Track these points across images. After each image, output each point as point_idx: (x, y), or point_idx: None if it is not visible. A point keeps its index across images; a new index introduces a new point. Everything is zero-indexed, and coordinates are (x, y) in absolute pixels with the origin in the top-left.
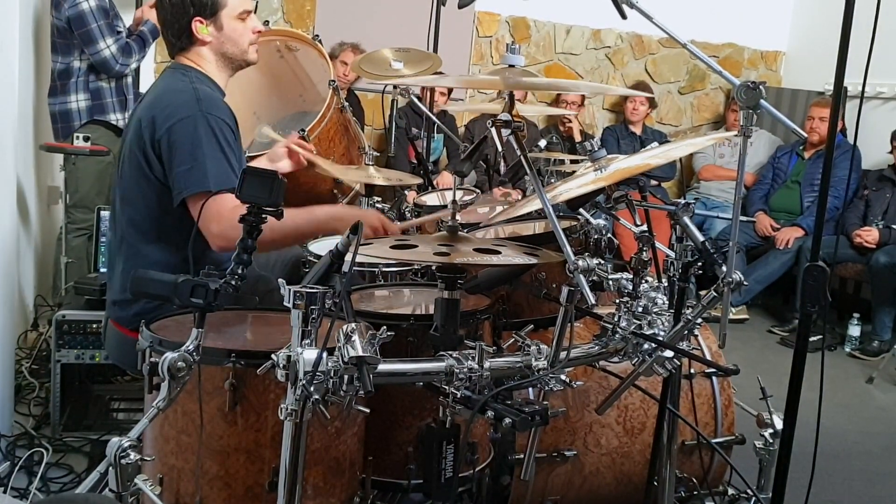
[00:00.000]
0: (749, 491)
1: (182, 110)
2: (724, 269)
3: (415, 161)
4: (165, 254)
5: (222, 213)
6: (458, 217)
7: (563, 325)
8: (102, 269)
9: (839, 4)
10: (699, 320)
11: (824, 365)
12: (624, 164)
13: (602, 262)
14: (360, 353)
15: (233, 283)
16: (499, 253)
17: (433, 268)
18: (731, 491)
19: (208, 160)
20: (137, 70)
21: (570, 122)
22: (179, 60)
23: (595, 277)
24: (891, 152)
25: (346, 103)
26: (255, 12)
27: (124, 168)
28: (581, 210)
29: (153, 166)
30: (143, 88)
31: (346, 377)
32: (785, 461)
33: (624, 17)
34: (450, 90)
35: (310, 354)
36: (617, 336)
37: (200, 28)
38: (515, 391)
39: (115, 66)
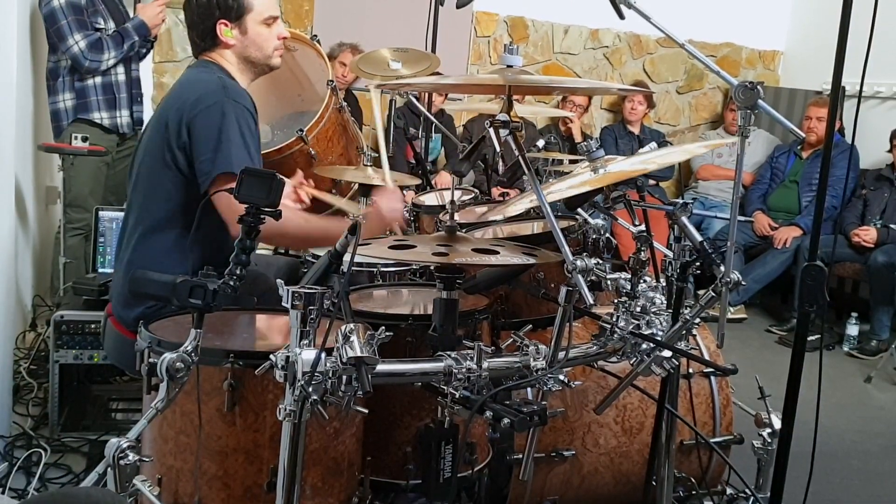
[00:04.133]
0: (747, 490)
1: (209, 98)
2: (722, 268)
3: (413, 161)
4: (179, 246)
5: None
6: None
7: (561, 325)
8: (101, 270)
9: (837, 4)
10: (697, 320)
11: (822, 364)
12: (619, 168)
13: (600, 261)
14: (359, 354)
15: (231, 283)
16: (497, 253)
17: (432, 268)
18: (729, 490)
19: (233, 146)
20: (130, 68)
21: (571, 122)
22: (204, 57)
23: (593, 277)
24: (890, 151)
25: (345, 103)
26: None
27: (143, 162)
28: (579, 210)
29: (177, 157)
30: (145, 88)
31: (344, 377)
32: (783, 461)
33: (622, 17)
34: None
35: (308, 355)
36: (615, 336)
37: (225, 31)
38: (514, 391)
39: (84, 62)
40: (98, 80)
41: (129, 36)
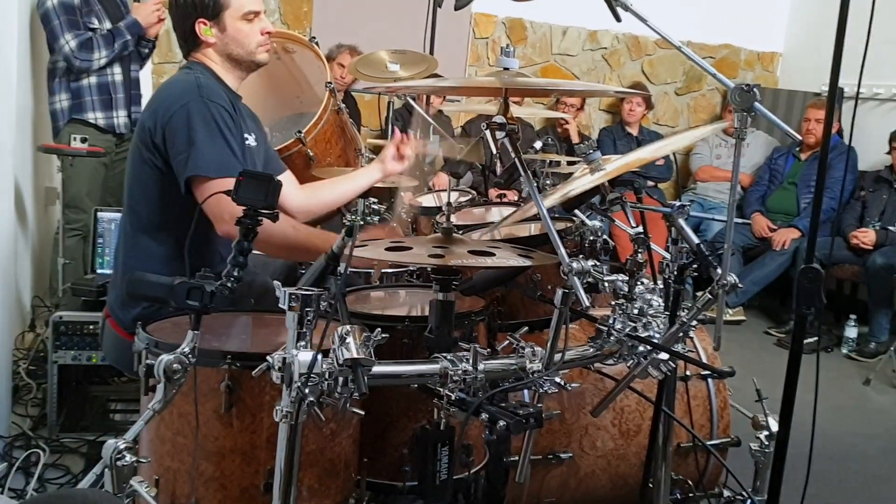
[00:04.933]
0: (744, 493)
1: (180, 99)
2: (719, 271)
3: None
4: (165, 246)
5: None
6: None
7: (557, 328)
8: (99, 270)
9: (835, 6)
10: (694, 322)
11: (820, 367)
12: (623, 161)
13: (597, 263)
14: (355, 355)
15: (229, 285)
16: (493, 255)
17: (428, 269)
18: (726, 493)
19: (206, 146)
20: (129, 69)
21: (567, 123)
22: (191, 59)
23: (590, 279)
24: (889, 153)
25: (343, 105)
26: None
27: (130, 163)
28: (576, 211)
29: (154, 157)
30: (144, 89)
31: (340, 379)
32: (780, 463)
33: (618, 19)
34: None
35: (305, 356)
36: (612, 338)
37: (204, 30)
38: (510, 393)
39: (74, 62)
40: (94, 80)
41: (121, 35)
